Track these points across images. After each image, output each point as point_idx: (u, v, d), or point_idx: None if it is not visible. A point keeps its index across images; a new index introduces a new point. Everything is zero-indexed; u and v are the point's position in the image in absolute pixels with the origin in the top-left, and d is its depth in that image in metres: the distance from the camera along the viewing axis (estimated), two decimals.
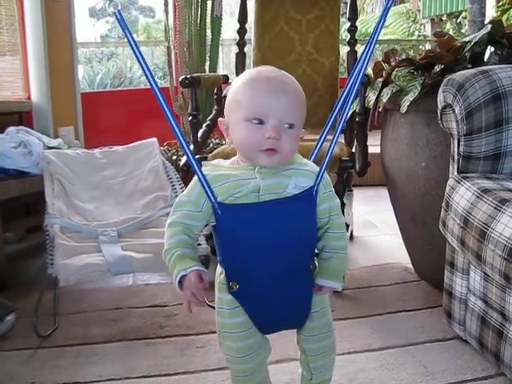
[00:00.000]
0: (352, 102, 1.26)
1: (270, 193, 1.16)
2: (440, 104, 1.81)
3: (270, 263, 1.19)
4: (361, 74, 1.22)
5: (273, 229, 1.16)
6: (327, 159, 1.23)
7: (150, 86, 1.14)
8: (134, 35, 1.15)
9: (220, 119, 1.23)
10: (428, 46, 5.73)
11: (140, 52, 1.12)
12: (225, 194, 1.16)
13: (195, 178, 1.18)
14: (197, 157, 2.47)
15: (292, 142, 1.16)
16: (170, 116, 1.16)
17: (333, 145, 1.25)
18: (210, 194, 1.15)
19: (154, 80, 1.14)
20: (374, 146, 2.49)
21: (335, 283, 1.24)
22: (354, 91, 1.23)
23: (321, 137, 1.27)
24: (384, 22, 1.22)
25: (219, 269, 1.25)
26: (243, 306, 1.23)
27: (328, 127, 1.27)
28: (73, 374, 1.75)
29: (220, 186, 1.16)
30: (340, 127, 1.25)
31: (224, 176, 1.18)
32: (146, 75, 1.14)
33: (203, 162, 1.23)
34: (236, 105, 1.18)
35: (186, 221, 1.18)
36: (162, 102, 1.14)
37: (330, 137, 1.27)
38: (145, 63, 1.13)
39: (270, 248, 1.17)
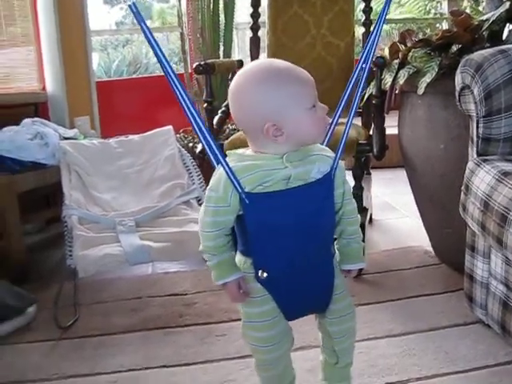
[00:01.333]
0: (363, 84, 1.26)
1: (298, 179, 1.18)
2: (458, 85, 1.77)
3: (303, 247, 1.22)
4: (370, 56, 1.25)
5: (303, 213, 1.19)
6: (343, 142, 1.26)
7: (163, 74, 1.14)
8: (149, 22, 1.15)
9: (268, 125, 1.16)
10: (445, 24, 5.63)
11: (158, 44, 1.12)
12: (253, 184, 1.16)
13: (220, 168, 1.17)
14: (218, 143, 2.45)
15: None
16: (190, 107, 1.15)
17: (347, 128, 1.27)
18: (238, 185, 1.15)
19: (172, 71, 1.14)
20: (391, 127, 2.45)
21: (359, 264, 1.32)
22: (366, 72, 1.25)
23: (333, 120, 1.27)
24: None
25: (241, 258, 1.25)
26: (271, 293, 1.24)
27: (339, 110, 1.28)
28: (94, 365, 1.76)
29: (249, 177, 1.16)
30: (353, 109, 1.26)
31: (252, 166, 1.17)
32: (163, 68, 1.13)
33: (228, 152, 1.22)
34: (290, 99, 1.15)
35: (217, 218, 1.19)
36: (182, 92, 1.14)
37: (344, 120, 1.27)
38: (162, 54, 1.12)
39: (302, 232, 1.20)
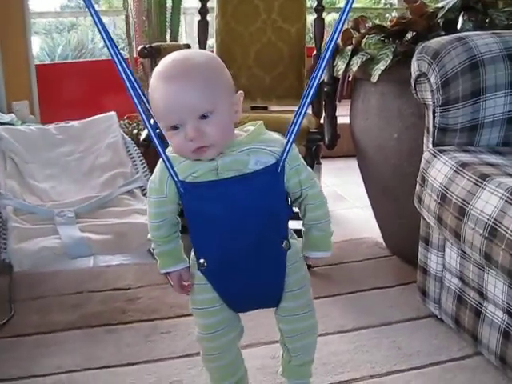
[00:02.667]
0: (322, 72, 1.15)
1: (229, 170, 1.12)
2: (414, 73, 1.72)
3: (234, 241, 1.17)
4: (333, 43, 1.13)
5: (234, 205, 1.15)
6: (293, 134, 1.16)
7: (110, 57, 1.08)
8: (96, 6, 1.07)
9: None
10: (395, 15, 5.64)
11: (105, 27, 1.07)
12: (184, 173, 1.14)
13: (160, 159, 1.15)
14: (158, 131, 2.35)
15: (218, 129, 1.10)
16: (131, 91, 1.11)
17: (301, 118, 1.16)
18: (173, 174, 1.13)
19: (119, 54, 1.09)
20: (342, 116, 2.39)
21: (318, 253, 1.27)
22: (325, 61, 1.14)
23: (299, 110, 1.16)
24: None
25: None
26: (211, 283, 1.23)
27: (308, 100, 1.15)
28: (30, 367, 1.65)
29: (179, 166, 1.14)
30: (308, 99, 1.15)
31: (178, 156, 1.15)
32: (109, 52, 1.08)
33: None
34: (156, 113, 1.13)
35: (158, 209, 1.20)
36: (129, 76, 1.11)
37: (294, 108, 1.19)
38: (110, 37, 1.08)
39: (233, 225, 1.16)
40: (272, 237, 1.20)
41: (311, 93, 1.14)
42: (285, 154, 1.14)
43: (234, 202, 1.14)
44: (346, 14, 1.09)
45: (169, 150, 1.15)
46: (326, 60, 1.13)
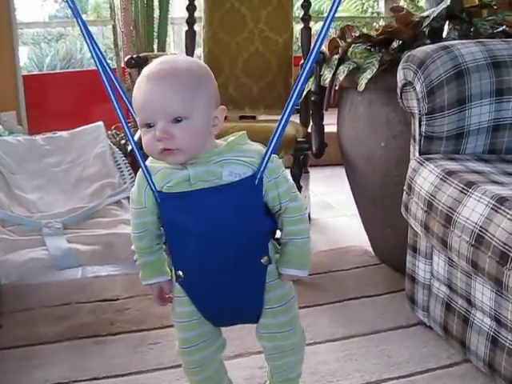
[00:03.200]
0: (305, 82, 1.14)
1: (202, 181, 1.10)
2: (400, 81, 1.73)
3: (209, 254, 1.15)
4: (315, 51, 1.10)
5: (207, 218, 1.12)
6: (272, 145, 1.13)
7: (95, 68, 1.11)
8: (84, 16, 1.08)
9: None
10: (382, 24, 5.68)
11: (92, 37, 1.10)
12: (160, 183, 1.13)
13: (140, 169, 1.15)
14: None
15: (188, 135, 1.08)
16: (113, 99, 1.12)
17: (280, 130, 1.13)
18: (151, 183, 1.12)
19: (105, 64, 1.12)
20: (329, 124, 2.40)
21: (294, 270, 1.20)
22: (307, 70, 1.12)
23: (281, 119, 1.13)
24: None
25: None
26: (189, 296, 1.21)
27: (289, 108, 1.13)
28: (16, 380, 1.63)
29: (155, 175, 1.12)
30: (289, 109, 1.12)
31: (156, 166, 1.13)
32: (95, 62, 1.11)
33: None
34: (134, 108, 1.13)
35: (139, 220, 1.19)
36: (116, 84, 1.13)
37: (278, 117, 1.17)
38: (97, 48, 1.11)
39: (207, 238, 1.14)
40: (250, 251, 1.17)
41: (291, 104, 1.12)
42: (262, 166, 1.11)
43: (207, 214, 1.12)
44: (328, 25, 1.07)
45: (148, 161, 1.14)
46: (306, 72, 1.11)
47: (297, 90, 1.11)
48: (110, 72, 1.12)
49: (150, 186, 1.12)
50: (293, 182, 1.19)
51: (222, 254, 1.15)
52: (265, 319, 1.23)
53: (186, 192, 1.11)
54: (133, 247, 1.22)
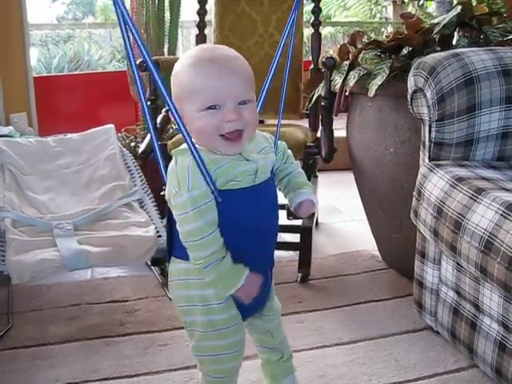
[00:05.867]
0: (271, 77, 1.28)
1: (263, 173, 1.15)
2: (410, 88, 1.74)
3: (266, 246, 1.21)
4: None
5: (265, 210, 1.18)
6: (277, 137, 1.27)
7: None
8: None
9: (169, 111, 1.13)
10: (390, 29, 5.68)
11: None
12: (223, 177, 1.10)
13: (180, 166, 1.10)
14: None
15: (253, 115, 1.14)
16: (143, 99, 1.13)
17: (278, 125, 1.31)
18: (210, 181, 1.09)
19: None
20: (337, 129, 2.41)
21: (312, 196, 1.26)
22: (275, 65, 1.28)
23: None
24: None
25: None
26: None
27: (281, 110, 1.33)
28: (27, 379, 1.65)
29: (219, 169, 1.10)
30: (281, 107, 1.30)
31: (220, 158, 1.12)
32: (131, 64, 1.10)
33: (177, 151, 1.14)
34: (187, 93, 1.12)
35: (210, 215, 1.11)
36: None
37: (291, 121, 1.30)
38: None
39: (265, 232, 1.19)
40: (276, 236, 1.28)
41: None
42: (275, 149, 1.24)
43: (265, 208, 1.19)
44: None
45: (187, 158, 1.10)
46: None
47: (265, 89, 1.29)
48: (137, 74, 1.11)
49: (209, 185, 1.09)
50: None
51: (270, 244, 1.24)
52: (270, 301, 1.33)
53: (251, 188, 1.14)
54: (200, 262, 1.12)
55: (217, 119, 1.10)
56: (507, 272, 1.29)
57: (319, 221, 2.94)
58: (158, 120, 2.49)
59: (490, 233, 1.35)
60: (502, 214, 1.35)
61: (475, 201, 1.43)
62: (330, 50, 2.39)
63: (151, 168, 2.47)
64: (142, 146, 2.41)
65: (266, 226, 1.19)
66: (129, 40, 1.07)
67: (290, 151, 1.30)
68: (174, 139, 2.33)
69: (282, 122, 1.30)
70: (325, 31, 5.92)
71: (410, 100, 1.76)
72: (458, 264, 1.59)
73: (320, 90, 2.36)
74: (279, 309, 1.38)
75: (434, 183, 1.59)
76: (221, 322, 1.20)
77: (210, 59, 1.12)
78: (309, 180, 2.34)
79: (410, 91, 1.75)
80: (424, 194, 1.63)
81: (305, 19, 3.00)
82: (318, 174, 2.97)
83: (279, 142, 1.26)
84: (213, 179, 1.09)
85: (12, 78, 3.28)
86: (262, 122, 2.96)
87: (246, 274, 1.13)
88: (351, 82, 2.09)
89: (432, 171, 1.63)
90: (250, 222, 1.14)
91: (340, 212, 3.17)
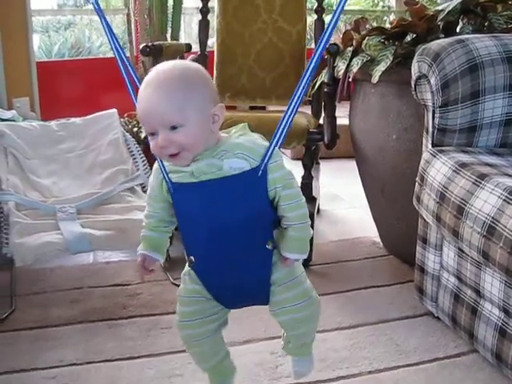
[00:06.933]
0: (312, 74, 1.17)
1: (205, 173, 1.14)
2: (414, 74, 1.74)
3: (216, 242, 1.19)
4: (323, 43, 1.15)
5: (212, 208, 1.16)
6: (278, 137, 1.17)
7: (109, 56, 1.13)
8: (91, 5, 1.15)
9: None
10: (392, 17, 5.66)
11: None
12: (172, 174, 1.17)
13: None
14: None
15: (187, 140, 1.11)
16: (130, 87, 1.18)
17: (287, 122, 1.18)
18: (165, 173, 1.17)
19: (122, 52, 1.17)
20: (339, 117, 2.41)
21: (295, 254, 1.21)
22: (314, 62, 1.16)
23: (287, 110, 1.18)
24: None
25: None
26: (201, 281, 1.25)
27: (298, 100, 1.17)
28: (31, 360, 1.66)
29: (169, 166, 1.18)
30: (297, 99, 1.17)
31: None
32: (112, 48, 1.16)
33: None
34: None
35: (151, 201, 1.24)
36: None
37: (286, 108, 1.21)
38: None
39: (213, 227, 1.18)
40: (255, 239, 1.21)
41: (300, 97, 1.17)
42: (266, 159, 1.14)
43: (212, 204, 1.16)
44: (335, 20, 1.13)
45: None
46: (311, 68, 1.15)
47: (303, 82, 1.16)
48: (126, 60, 1.18)
49: (164, 176, 1.17)
50: (289, 169, 1.20)
51: (228, 242, 1.19)
52: (274, 297, 1.26)
53: (195, 183, 1.15)
54: (143, 222, 1.27)
55: (156, 144, 1.12)
56: (509, 257, 1.30)
57: (320, 208, 2.95)
58: None
59: (493, 218, 1.36)
60: (504, 200, 1.35)
61: (478, 186, 1.44)
62: (332, 38, 2.38)
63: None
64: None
65: (218, 223, 1.17)
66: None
67: (289, 191, 1.18)
68: None
69: (283, 108, 1.26)
70: (327, 20, 5.90)
71: (413, 86, 1.77)
72: (459, 250, 1.60)
73: (323, 77, 2.36)
74: (301, 318, 1.29)
75: (437, 169, 1.60)
76: (180, 290, 1.30)
77: (145, 83, 1.13)
78: (311, 167, 2.37)
79: (414, 77, 1.75)
80: (427, 180, 1.64)
81: (308, 6, 2.99)
82: (319, 161, 2.98)
83: (272, 177, 1.16)
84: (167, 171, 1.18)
85: (15, 63, 3.28)
86: (263, 108, 2.97)
87: (140, 251, 1.25)
88: (355, 68, 2.09)
89: (435, 157, 1.63)
90: (193, 215, 1.18)
91: (341, 199, 3.18)
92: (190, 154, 1.13)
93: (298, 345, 1.38)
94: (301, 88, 1.16)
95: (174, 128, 1.10)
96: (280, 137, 1.16)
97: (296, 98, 1.17)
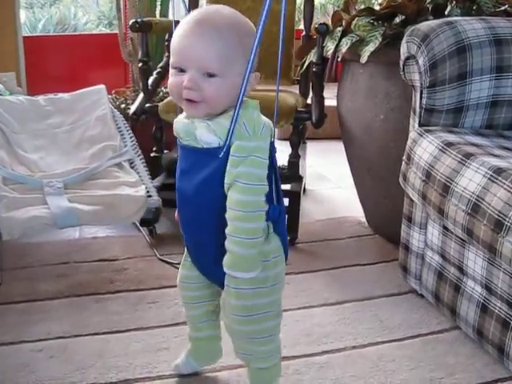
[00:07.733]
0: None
1: (186, 137, 1.12)
2: (403, 55, 1.76)
3: (182, 208, 1.21)
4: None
5: (181, 173, 1.17)
6: (235, 116, 1.06)
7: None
8: None
9: None
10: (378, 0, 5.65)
11: None
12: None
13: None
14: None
15: (216, 92, 1.06)
16: None
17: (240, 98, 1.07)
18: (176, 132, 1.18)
19: None
20: (326, 98, 2.42)
21: (226, 268, 1.12)
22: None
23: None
24: None
25: None
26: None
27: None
28: (18, 333, 1.67)
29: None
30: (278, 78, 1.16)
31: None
32: None
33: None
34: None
35: None
36: None
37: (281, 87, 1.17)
38: None
39: (180, 192, 1.19)
40: (207, 224, 1.16)
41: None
42: (228, 137, 1.06)
43: (182, 170, 1.17)
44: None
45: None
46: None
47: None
48: None
49: (176, 135, 1.17)
50: (264, 174, 1.09)
51: (188, 211, 1.19)
52: (225, 294, 1.21)
53: (181, 145, 1.15)
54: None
55: (179, 81, 1.07)
56: (493, 234, 1.33)
57: (306, 187, 2.96)
58: (150, 81, 2.48)
59: (478, 196, 1.38)
60: (489, 178, 1.38)
61: (464, 165, 1.46)
62: (318, 21, 2.39)
63: (141, 129, 2.49)
64: (133, 107, 2.40)
65: (180, 186, 1.17)
66: None
67: (248, 171, 1.07)
68: (165, 101, 2.33)
69: (272, 87, 1.25)
70: (316, 1, 5.88)
71: (402, 66, 1.78)
72: (444, 228, 1.63)
73: (312, 56, 2.36)
74: (238, 331, 1.24)
75: (424, 148, 1.62)
76: (185, 253, 1.33)
77: (188, 21, 1.07)
78: (298, 146, 2.38)
79: (402, 58, 1.76)
80: (413, 159, 1.66)
81: None
82: (306, 141, 3.00)
83: (240, 145, 1.07)
84: None
85: (1, 38, 3.25)
86: None
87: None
88: (344, 48, 2.10)
89: (422, 136, 1.66)
90: (177, 179, 1.19)
91: (328, 179, 3.20)
92: (208, 108, 1.08)
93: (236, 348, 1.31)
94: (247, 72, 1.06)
95: (208, 75, 1.05)
96: (235, 117, 1.06)
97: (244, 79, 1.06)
